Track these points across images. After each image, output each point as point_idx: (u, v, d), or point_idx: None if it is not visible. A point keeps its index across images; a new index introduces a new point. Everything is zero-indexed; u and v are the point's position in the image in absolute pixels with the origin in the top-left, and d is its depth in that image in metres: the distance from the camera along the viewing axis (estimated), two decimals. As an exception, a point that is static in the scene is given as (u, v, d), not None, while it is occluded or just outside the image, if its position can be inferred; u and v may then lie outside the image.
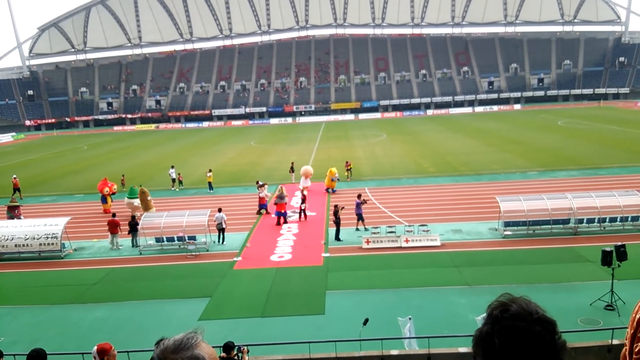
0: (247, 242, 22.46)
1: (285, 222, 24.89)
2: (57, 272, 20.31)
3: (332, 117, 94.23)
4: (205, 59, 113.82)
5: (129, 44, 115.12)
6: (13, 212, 27.06)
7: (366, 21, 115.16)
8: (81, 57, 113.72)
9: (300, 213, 25.56)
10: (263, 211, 26.76)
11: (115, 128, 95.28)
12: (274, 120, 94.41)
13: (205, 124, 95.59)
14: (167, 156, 51.60)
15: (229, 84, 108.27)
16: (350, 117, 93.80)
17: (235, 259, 20.40)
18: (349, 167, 35.27)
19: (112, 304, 16.85)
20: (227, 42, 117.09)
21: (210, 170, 34.26)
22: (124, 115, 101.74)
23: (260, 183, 27.85)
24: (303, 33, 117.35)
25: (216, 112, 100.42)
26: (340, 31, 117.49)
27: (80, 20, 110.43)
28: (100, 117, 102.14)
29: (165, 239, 22.05)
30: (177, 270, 19.71)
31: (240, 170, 39.87)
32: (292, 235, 23.15)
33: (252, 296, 16.69)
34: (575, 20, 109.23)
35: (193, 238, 21.82)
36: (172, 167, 35.90)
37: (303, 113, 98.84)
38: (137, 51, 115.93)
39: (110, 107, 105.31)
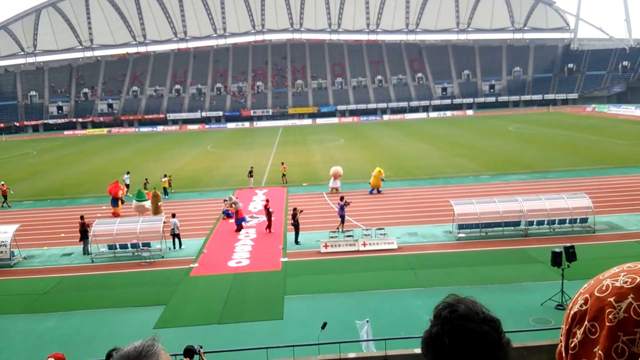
0: (204, 247, 22.11)
1: (241, 227, 24.62)
2: (6, 281, 19.44)
3: (289, 122, 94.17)
4: (159, 62, 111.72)
5: (80, 47, 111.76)
6: None
7: (322, 26, 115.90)
8: (31, 60, 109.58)
9: (269, 226, 24.11)
10: (244, 223, 25.14)
11: (66, 132, 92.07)
12: (230, 125, 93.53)
13: (160, 128, 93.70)
14: (119, 161, 50.26)
15: (184, 88, 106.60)
16: (308, 121, 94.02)
17: (191, 265, 20.04)
18: (283, 172, 35.41)
19: (63, 313, 16.26)
20: (182, 45, 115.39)
21: (165, 175, 33.59)
22: (74, 120, 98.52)
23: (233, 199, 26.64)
24: (259, 37, 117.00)
25: (171, 116, 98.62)
26: (297, 36, 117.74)
27: (30, 23, 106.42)
28: (50, 121, 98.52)
29: (118, 246, 21.44)
30: (131, 278, 19.18)
31: (196, 175, 39.26)
32: (250, 240, 22.95)
33: (208, 303, 16.43)
34: (526, 28, 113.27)
35: (147, 245, 21.31)
36: (127, 173, 34.99)
37: (260, 117, 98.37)
38: (89, 54, 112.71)
39: (60, 111, 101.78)
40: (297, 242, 21.82)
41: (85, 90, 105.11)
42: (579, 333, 1.11)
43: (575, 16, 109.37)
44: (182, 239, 22.39)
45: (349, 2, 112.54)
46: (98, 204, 31.41)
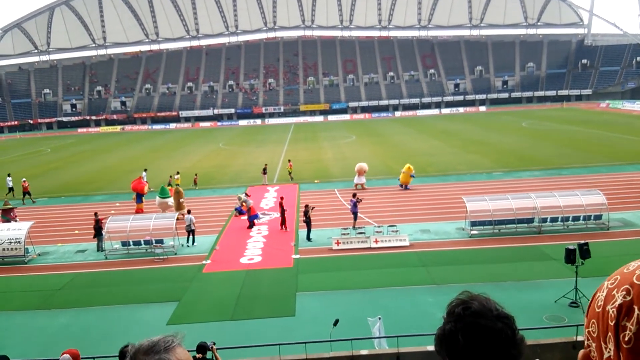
0: (216, 244, 22.23)
1: (253, 224, 24.69)
2: (20, 278, 19.71)
3: (301, 119, 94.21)
4: (172, 59, 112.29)
5: (93, 45, 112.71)
6: (8, 215, 26.01)
7: (334, 23, 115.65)
8: (44, 58, 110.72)
9: (282, 221, 23.96)
10: (256, 220, 25.11)
11: (80, 130, 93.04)
12: (242, 122, 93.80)
13: (173, 125, 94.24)
14: (132, 159, 50.66)
15: (196, 85, 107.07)
16: (320, 118, 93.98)
17: (204, 262, 20.16)
18: (290, 169, 35.49)
19: (77, 309, 16.44)
20: (194, 43, 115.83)
21: (178, 173, 33.78)
22: (88, 117, 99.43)
23: (243, 198, 26.71)
24: (271, 34, 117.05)
25: (183, 113, 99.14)
26: (308, 33, 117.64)
27: (43, 21, 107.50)
28: (64, 119, 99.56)
29: (131, 243, 21.62)
30: (144, 275, 19.35)
31: (209, 173, 39.43)
32: (262, 237, 23.02)
33: (221, 299, 16.52)
34: (539, 23, 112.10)
35: (160, 241, 21.47)
36: (145, 170, 35.36)
37: (272, 115, 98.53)
38: (102, 52, 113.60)
39: (74, 109, 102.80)
40: (309, 238, 21.86)
41: (99, 88, 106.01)
42: (631, 325, 1.05)
43: (588, 11, 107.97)
44: (195, 236, 22.54)
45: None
46: (111, 201, 31.69)
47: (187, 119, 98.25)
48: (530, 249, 19.54)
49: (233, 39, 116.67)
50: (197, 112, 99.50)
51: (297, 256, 20.20)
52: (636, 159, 35.47)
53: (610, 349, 1.08)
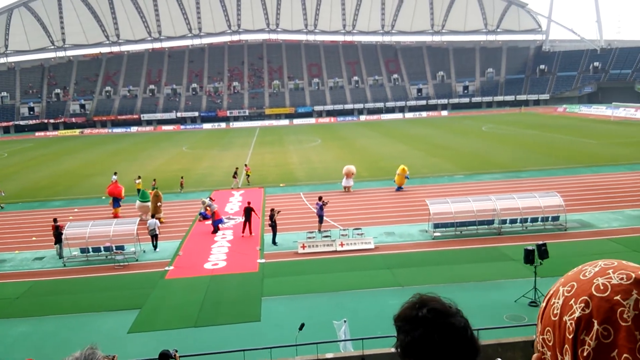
0: (180, 250, 21.89)
1: (218, 229, 24.41)
2: (-28, 288, 18.91)
3: (266, 122, 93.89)
4: (133, 61, 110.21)
5: (52, 47, 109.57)
6: None
7: (299, 27, 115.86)
8: (2, 60, 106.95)
9: (245, 226, 23.51)
10: (221, 225, 24.78)
11: (37, 134, 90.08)
12: (206, 125, 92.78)
13: (134, 128, 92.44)
14: (92, 163, 49.44)
15: (158, 88, 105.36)
16: (285, 122, 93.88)
17: (166, 268, 19.80)
18: (247, 173, 35.10)
19: (36, 318, 15.93)
20: (156, 45, 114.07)
21: (139, 177, 33.14)
22: (46, 121, 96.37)
23: (207, 203, 26.42)
24: (235, 37, 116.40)
25: (145, 116, 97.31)
26: (273, 36, 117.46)
27: (1, 23, 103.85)
28: (22, 122, 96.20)
29: (90, 250, 21.06)
30: (105, 282, 18.87)
31: (172, 177, 38.79)
32: (227, 242, 22.79)
33: (184, 306, 16.27)
34: (498, 30, 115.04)
35: (121, 248, 20.99)
36: (115, 174, 34.63)
37: (237, 118, 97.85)
38: (61, 54, 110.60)
39: (32, 112, 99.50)
40: (274, 243, 21.77)
41: (57, 90, 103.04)
42: (590, 339, 1.02)
43: (547, 18, 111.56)
44: (157, 241, 22.16)
45: (325, 3, 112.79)
46: (70, 207, 30.83)
47: (149, 122, 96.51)
48: (490, 250, 19.98)
49: (196, 42, 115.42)
50: (159, 115, 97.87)
51: (263, 260, 20.08)
52: (592, 161, 36.76)
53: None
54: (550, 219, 22.19)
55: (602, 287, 1.05)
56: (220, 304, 16.27)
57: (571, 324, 1.05)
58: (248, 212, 23.50)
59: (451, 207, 22.00)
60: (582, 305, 1.05)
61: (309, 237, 21.23)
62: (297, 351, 11.77)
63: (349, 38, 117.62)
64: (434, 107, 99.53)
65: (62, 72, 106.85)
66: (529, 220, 22.17)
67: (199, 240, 23.22)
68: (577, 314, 1.05)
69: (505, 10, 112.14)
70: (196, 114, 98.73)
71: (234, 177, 34.36)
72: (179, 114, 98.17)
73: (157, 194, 26.75)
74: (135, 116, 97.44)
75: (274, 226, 21.91)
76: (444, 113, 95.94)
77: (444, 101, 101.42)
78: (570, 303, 1.08)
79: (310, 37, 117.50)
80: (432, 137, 57.59)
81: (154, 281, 18.48)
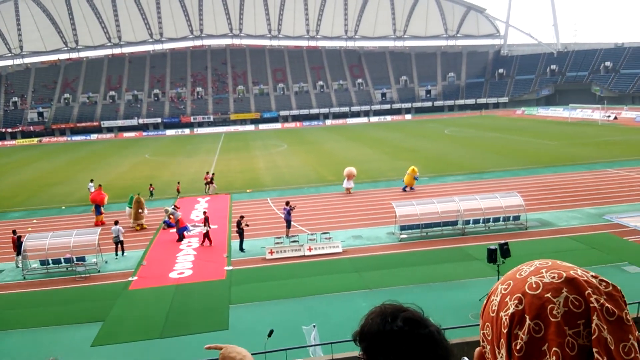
0: (143, 260, 21.46)
1: (183, 237, 24.03)
2: None
3: (232, 128, 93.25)
4: (93, 68, 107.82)
5: (9, 54, 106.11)
6: None
7: (262, 32, 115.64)
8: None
9: (204, 237, 23.01)
10: (186, 233, 24.35)
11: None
12: (170, 132, 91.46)
13: (94, 136, 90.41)
14: (51, 172, 48.01)
15: (119, 94, 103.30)
16: (251, 127, 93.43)
17: (130, 278, 19.37)
18: (207, 181, 34.23)
19: (-8, 335, 15.30)
20: (117, 51, 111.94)
21: (100, 186, 32.36)
22: (3, 130, 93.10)
23: (170, 211, 26.13)
24: (198, 42, 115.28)
25: (105, 123, 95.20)
26: (236, 41, 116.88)
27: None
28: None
29: (50, 262, 20.42)
30: (66, 294, 18.31)
31: (134, 185, 38.00)
32: (193, 250, 22.47)
33: (149, 317, 15.93)
34: (458, 35, 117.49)
35: (82, 259, 20.42)
36: (91, 180, 34.04)
37: (201, 124, 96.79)
38: (18, 61, 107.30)
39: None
40: (241, 249, 21.59)
41: (15, 99, 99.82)
42: (522, 334, 1.08)
43: (505, 23, 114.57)
44: (124, 248, 21.82)
45: (288, 8, 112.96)
46: (29, 218, 29.87)
47: (109, 130, 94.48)
48: (455, 250, 20.33)
49: (158, 47, 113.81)
50: (120, 122, 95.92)
51: (230, 268, 19.88)
52: (551, 162, 37.87)
53: (502, 355, 1.12)
54: (511, 218, 22.74)
55: (534, 285, 1.10)
56: (187, 314, 16.01)
57: (506, 319, 1.11)
58: (205, 222, 23.13)
59: (417, 209, 22.29)
60: (516, 302, 1.10)
61: (277, 243, 21.14)
62: (266, 358, 11.66)
63: (313, 43, 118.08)
64: (398, 111, 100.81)
65: (19, 80, 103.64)
66: (491, 220, 22.66)
67: (164, 249, 22.82)
68: (511, 310, 1.11)
69: (464, 15, 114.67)
70: (159, 120, 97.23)
71: (211, 182, 34.01)
72: (140, 121, 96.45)
73: (139, 200, 26.54)
74: (95, 123, 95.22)
75: (241, 233, 21.72)
76: (408, 117, 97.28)
77: (408, 105, 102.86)
78: (505, 300, 1.13)
79: (275, 42, 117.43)
80: (397, 140, 58.28)
81: (117, 292, 18.05)
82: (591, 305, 1.05)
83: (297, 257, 20.36)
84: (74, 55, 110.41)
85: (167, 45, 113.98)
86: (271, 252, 20.55)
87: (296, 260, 20.05)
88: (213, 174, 35.43)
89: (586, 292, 1.07)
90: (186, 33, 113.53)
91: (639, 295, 13.26)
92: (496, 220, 22.68)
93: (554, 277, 1.10)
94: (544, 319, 1.06)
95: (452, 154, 44.71)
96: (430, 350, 1.22)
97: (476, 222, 22.64)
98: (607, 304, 1.06)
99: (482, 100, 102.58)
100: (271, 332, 11.93)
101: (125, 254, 21.96)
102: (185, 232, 24.25)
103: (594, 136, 51.98)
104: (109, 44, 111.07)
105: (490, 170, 36.25)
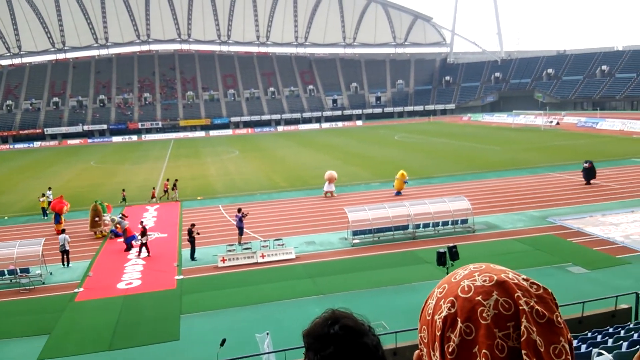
0: (90, 270, 20.75)
1: (131, 247, 23.39)
2: None
3: (181, 134, 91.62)
4: (36, 73, 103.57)
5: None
6: None
7: (212, 37, 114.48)
8: None
9: (141, 248, 22.31)
10: (134, 242, 23.52)
11: None
12: (116, 138, 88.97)
13: (37, 144, 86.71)
14: (-10, 181, 45.70)
15: (63, 100, 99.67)
16: (201, 134, 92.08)
17: (76, 290, 18.69)
18: (166, 189, 33.70)
19: None
20: (60, 56, 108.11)
21: (43, 195, 31.12)
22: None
23: (117, 220, 25.41)
24: (145, 47, 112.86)
25: (49, 130, 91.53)
26: (185, 47, 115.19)
27: None
28: None
29: (-10, 275, 19.43)
30: (10, 307, 17.49)
31: (79, 193, 36.75)
32: (142, 259, 21.90)
33: (97, 328, 15.42)
34: (406, 43, 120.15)
35: (26, 270, 19.55)
36: (49, 189, 32.69)
37: (149, 130, 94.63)
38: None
39: None
40: (192, 258, 21.22)
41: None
42: (454, 336, 1.10)
43: (451, 31, 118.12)
44: (69, 258, 21.07)
45: (237, 14, 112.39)
46: (-36, 230, 28.31)
47: (53, 137, 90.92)
48: (406, 254, 20.71)
49: (103, 52, 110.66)
50: (64, 129, 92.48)
51: (181, 277, 19.50)
52: (496, 166, 39.21)
53: (437, 357, 1.14)
54: (459, 222, 23.38)
55: (466, 289, 1.13)
56: (136, 325, 15.59)
57: (439, 322, 1.14)
58: (143, 233, 22.44)
59: (369, 215, 22.58)
60: (449, 305, 1.13)
61: (229, 250, 20.91)
62: (220, 367, 11.52)
63: (263, 49, 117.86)
64: (349, 117, 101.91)
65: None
66: (440, 224, 23.22)
67: (111, 259, 22.14)
68: (444, 313, 1.13)
69: (412, 24, 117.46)
70: (104, 126, 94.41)
71: (173, 189, 33.42)
72: (85, 127, 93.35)
73: (96, 207, 25.73)
74: (39, 130, 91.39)
75: (192, 242, 21.35)
76: (359, 123, 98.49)
77: (359, 111, 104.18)
78: (440, 303, 1.16)
79: (224, 48, 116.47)
80: (349, 146, 58.89)
81: (63, 304, 17.38)
82: (520, 307, 1.08)
83: (249, 264, 20.21)
84: (16, 60, 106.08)
85: (113, 50, 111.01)
86: (223, 260, 20.31)
87: (249, 268, 19.91)
88: (176, 180, 34.76)
89: (516, 295, 1.09)
90: (133, 38, 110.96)
91: (583, 295, 13.91)
92: (445, 224, 23.27)
93: (485, 281, 1.13)
94: (475, 321, 1.08)
95: (402, 159, 45.56)
96: (360, 359, 1.20)
97: (426, 226, 23.15)
98: (537, 307, 1.09)
99: (430, 107, 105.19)
100: (223, 341, 11.79)
101: (70, 264, 21.20)
102: (133, 242, 23.61)
103: (536, 141, 54.22)
104: (53, 49, 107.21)
105: (438, 175, 37.16)
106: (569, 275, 17.46)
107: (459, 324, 1.10)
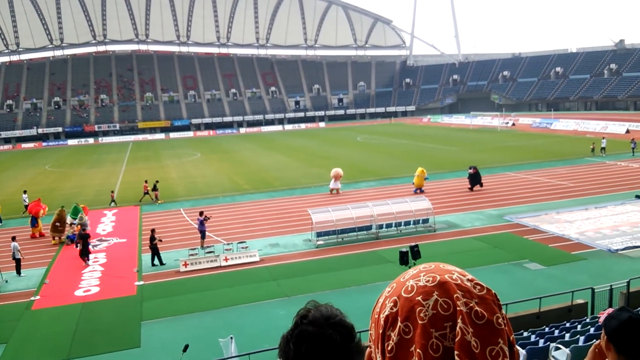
0: (46, 278, 20.06)
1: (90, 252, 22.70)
2: None
3: (140, 137, 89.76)
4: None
5: None
6: None
7: (171, 38, 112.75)
8: None
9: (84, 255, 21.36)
10: (92, 248, 22.74)
11: None
12: (72, 141, 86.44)
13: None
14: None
15: (16, 103, 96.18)
16: (161, 136, 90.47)
17: (32, 298, 18.03)
18: (146, 190, 33.16)
19: None
20: (14, 58, 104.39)
21: (39, 198, 29.89)
22: None
23: (76, 222, 24.77)
24: (101, 48, 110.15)
25: (2, 134, 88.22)
26: (143, 47, 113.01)
27: None
28: None
29: (-63, 285, 18.53)
30: (-44, 321, 16.69)
31: (34, 198, 35.45)
32: (100, 265, 21.32)
33: (55, 337, 14.92)
34: (367, 45, 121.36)
35: (-24, 280, 18.75)
36: (25, 192, 31.97)
37: (107, 133, 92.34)
38: None
39: None
40: (154, 264, 20.76)
41: None
42: (394, 335, 1.11)
43: (410, 34, 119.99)
44: (20, 267, 20.27)
45: (197, 14, 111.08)
46: None
47: (6, 140, 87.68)
48: (369, 254, 20.87)
49: (58, 53, 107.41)
50: (18, 132, 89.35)
51: (141, 283, 19.07)
52: (454, 167, 39.97)
53: (379, 355, 1.16)
54: (421, 221, 23.74)
55: (409, 289, 1.15)
56: (95, 333, 15.16)
57: (382, 320, 1.15)
58: (85, 238, 21.66)
59: (332, 216, 22.66)
60: (392, 304, 1.15)
61: (191, 254, 20.57)
62: (183, 374, 11.32)
63: (224, 50, 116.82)
64: (312, 119, 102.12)
65: None
66: (402, 224, 23.53)
67: (69, 266, 21.47)
68: (386, 312, 1.15)
69: (372, 26, 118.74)
70: (60, 129, 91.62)
71: (153, 189, 32.80)
72: (40, 130, 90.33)
73: (61, 212, 24.97)
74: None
75: (154, 248, 20.86)
76: (322, 124, 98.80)
77: (321, 113, 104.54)
78: (385, 302, 1.18)
79: (184, 49, 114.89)
80: (312, 148, 58.97)
81: (19, 313, 16.74)
82: (458, 308, 1.08)
83: (213, 268, 19.95)
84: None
85: (68, 51, 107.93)
86: (185, 265, 19.98)
87: (212, 272, 19.65)
88: (157, 181, 34.11)
89: (455, 296, 1.10)
90: (89, 38, 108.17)
91: (540, 291, 14.31)
92: (407, 223, 23.58)
93: (428, 281, 1.14)
94: (413, 321, 1.09)
95: (365, 161, 45.95)
96: (315, 346, 1.21)
97: (389, 226, 23.40)
98: (477, 308, 1.09)
99: (392, 109, 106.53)
100: (186, 347, 11.59)
101: (22, 274, 20.29)
102: (90, 248, 22.93)
103: (493, 142, 55.61)
104: (7, 51, 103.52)
105: (400, 176, 37.61)
106: (526, 271, 17.94)
107: (399, 323, 1.11)
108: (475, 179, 30.96)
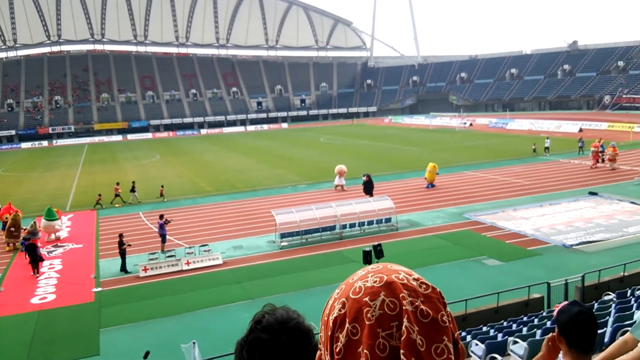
0: (0, 285, 19.29)
1: (42, 259, 21.87)
2: None
3: (96, 139, 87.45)
4: None
5: None
6: None
7: (127, 37, 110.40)
8: None
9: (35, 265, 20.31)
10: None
11: None
12: (25, 144, 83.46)
13: None
14: None
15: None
16: (118, 138, 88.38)
17: (-17, 308, 17.30)
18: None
19: None
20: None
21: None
22: None
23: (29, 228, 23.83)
24: (56, 48, 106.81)
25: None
26: (99, 47, 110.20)
27: None
28: None
29: None
30: None
31: (-15, 204, 34.06)
32: (55, 272, 20.64)
33: (11, 347, 14.37)
34: (328, 47, 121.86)
35: None
36: None
37: (61, 135, 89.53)
38: None
39: None
40: (123, 270, 20.08)
41: None
42: (342, 337, 1.11)
43: (370, 36, 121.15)
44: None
45: (155, 13, 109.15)
46: None
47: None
48: (334, 254, 20.94)
49: (11, 54, 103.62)
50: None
51: (99, 289, 18.56)
52: (415, 166, 40.53)
53: (327, 357, 1.16)
54: (383, 220, 23.99)
55: (357, 290, 1.15)
56: (53, 342, 14.67)
57: (331, 322, 1.15)
58: (31, 248, 20.76)
59: (296, 217, 22.62)
60: (340, 306, 1.15)
61: (151, 259, 20.14)
62: (145, 381, 11.08)
63: (183, 50, 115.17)
64: (274, 120, 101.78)
65: None
66: (365, 223, 23.71)
67: (23, 273, 20.70)
68: (335, 314, 1.15)
69: (333, 28, 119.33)
70: (13, 132, 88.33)
71: (131, 191, 32.25)
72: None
73: (15, 217, 24.08)
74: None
75: (123, 253, 20.26)
76: (284, 125, 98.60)
77: (284, 114, 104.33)
78: (334, 304, 1.18)
79: (141, 49, 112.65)
80: (275, 149, 58.77)
81: (-32, 325, 16.02)
82: (404, 307, 1.09)
83: (174, 272, 19.60)
84: None
85: (22, 52, 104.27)
86: (145, 269, 19.56)
87: (174, 276, 19.31)
88: (133, 182, 33.43)
89: (401, 295, 1.10)
90: (43, 38, 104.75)
91: (497, 286, 14.67)
92: (370, 223, 23.77)
93: (375, 282, 1.14)
94: (360, 321, 1.10)
95: (328, 161, 46.05)
96: (267, 352, 1.23)
97: (352, 225, 23.54)
98: (422, 306, 1.10)
99: (354, 110, 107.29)
100: (147, 353, 11.36)
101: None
102: (44, 254, 22.20)
103: (452, 142, 56.72)
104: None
105: (361, 176, 37.84)
106: (484, 267, 18.37)
107: (347, 325, 1.11)
108: (368, 186, 29.95)
